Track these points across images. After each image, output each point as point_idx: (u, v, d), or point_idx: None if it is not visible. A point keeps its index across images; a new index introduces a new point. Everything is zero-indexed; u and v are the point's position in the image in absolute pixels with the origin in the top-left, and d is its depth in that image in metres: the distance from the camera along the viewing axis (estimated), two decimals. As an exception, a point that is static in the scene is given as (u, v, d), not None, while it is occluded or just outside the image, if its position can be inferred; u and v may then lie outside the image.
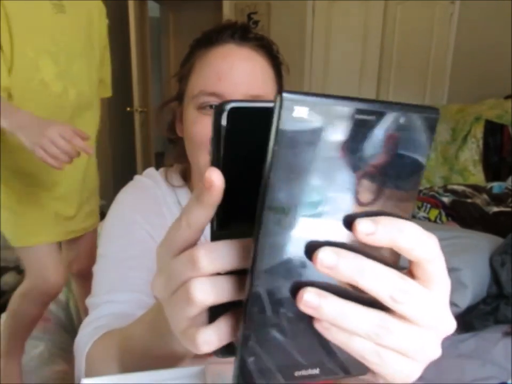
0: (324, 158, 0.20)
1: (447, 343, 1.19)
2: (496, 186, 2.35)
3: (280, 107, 0.19)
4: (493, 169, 2.67)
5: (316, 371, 0.24)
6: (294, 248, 0.21)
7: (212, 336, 0.24)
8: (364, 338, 0.22)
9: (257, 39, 0.60)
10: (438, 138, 3.00)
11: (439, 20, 3.09)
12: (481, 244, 1.46)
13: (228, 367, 0.54)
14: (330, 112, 0.20)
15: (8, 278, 1.83)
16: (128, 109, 3.30)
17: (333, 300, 0.21)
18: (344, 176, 0.21)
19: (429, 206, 2.06)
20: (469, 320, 1.25)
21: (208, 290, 0.23)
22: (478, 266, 1.34)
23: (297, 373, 0.23)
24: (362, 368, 0.24)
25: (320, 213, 0.21)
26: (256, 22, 3.35)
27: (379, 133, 0.21)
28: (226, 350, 0.25)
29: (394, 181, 0.22)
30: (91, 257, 1.35)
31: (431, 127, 0.22)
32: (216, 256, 0.23)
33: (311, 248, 0.21)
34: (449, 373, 1.08)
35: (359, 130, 0.20)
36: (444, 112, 2.99)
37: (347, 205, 0.21)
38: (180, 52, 4.28)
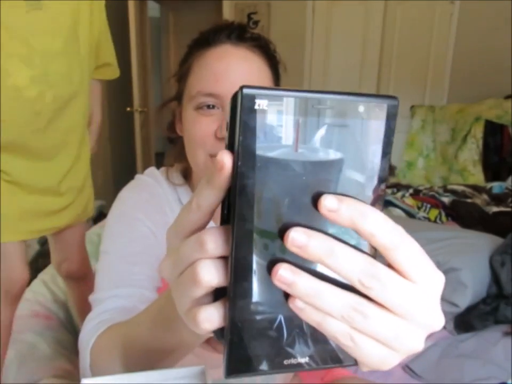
0: (287, 147, 0.21)
1: (447, 343, 1.19)
2: (496, 186, 2.35)
3: (242, 100, 0.20)
4: (492, 169, 2.67)
5: (305, 359, 0.24)
6: (271, 230, 0.22)
7: (213, 314, 0.24)
8: (338, 320, 0.22)
9: (254, 39, 0.61)
10: (438, 138, 3.00)
11: (439, 19, 3.09)
12: (481, 244, 1.46)
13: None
14: (289, 104, 0.21)
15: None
16: (128, 109, 3.30)
17: (307, 277, 0.22)
18: (309, 165, 0.22)
19: (429, 206, 2.07)
20: (469, 320, 1.25)
21: (214, 272, 0.24)
22: (478, 266, 1.34)
23: (286, 362, 0.24)
24: (351, 359, 0.25)
25: (291, 199, 0.22)
26: (256, 22, 3.35)
27: (338, 121, 0.21)
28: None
29: (359, 170, 0.22)
30: (80, 259, 1.34)
31: (392, 115, 0.22)
32: (222, 240, 0.23)
33: (284, 229, 0.22)
34: (449, 373, 1.08)
35: (320, 120, 0.21)
36: (444, 112, 2.99)
37: (313, 187, 0.22)
38: (180, 52, 4.27)
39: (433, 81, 3.19)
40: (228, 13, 3.37)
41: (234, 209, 0.22)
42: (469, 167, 2.73)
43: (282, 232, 0.22)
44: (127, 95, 3.29)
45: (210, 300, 0.25)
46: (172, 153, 0.74)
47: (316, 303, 0.22)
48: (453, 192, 2.23)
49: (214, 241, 0.23)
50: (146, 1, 3.39)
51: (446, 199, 2.14)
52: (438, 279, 0.23)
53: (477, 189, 2.28)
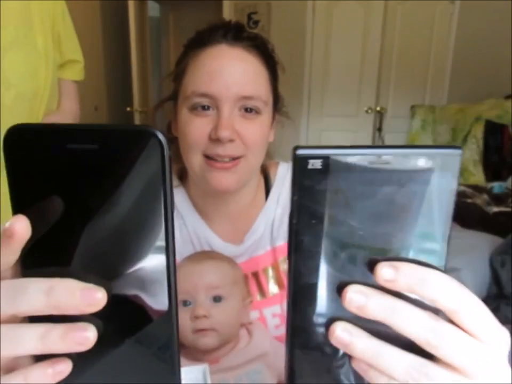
0: (345, 206, 0.21)
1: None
2: (496, 186, 2.35)
3: (295, 161, 0.20)
4: (493, 169, 2.67)
5: None
6: (327, 288, 0.22)
7: None
8: None
9: (251, 39, 0.60)
10: (438, 138, 3.00)
11: (439, 20, 3.09)
12: (481, 244, 1.46)
13: (230, 374, 0.54)
14: (343, 163, 0.21)
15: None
16: (128, 109, 3.30)
17: (365, 338, 0.21)
18: (369, 222, 0.21)
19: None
20: (469, 320, 1.25)
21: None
22: (478, 266, 1.34)
23: None
24: None
25: (348, 255, 0.22)
26: (256, 22, 3.35)
27: (397, 177, 0.21)
28: None
29: (424, 226, 0.22)
30: None
31: (454, 165, 0.21)
32: (5, 296, 0.20)
33: (342, 288, 0.21)
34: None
35: (377, 177, 0.21)
36: (444, 112, 2.99)
37: (375, 248, 0.21)
38: (180, 52, 4.27)
39: (433, 81, 3.19)
40: (228, 12, 3.37)
41: (290, 264, 0.22)
42: (470, 167, 2.73)
43: (339, 290, 0.21)
44: (127, 95, 3.29)
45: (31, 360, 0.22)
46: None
47: (377, 365, 0.21)
48: (453, 192, 2.23)
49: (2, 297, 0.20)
50: (146, 1, 3.39)
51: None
52: (505, 337, 0.22)
53: (477, 189, 2.28)
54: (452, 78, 3.14)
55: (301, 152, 0.20)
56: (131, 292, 0.22)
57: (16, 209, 0.21)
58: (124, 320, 0.23)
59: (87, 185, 0.21)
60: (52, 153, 0.21)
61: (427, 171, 0.21)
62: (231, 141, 0.56)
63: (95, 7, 3.17)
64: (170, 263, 0.22)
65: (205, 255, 0.62)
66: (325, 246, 0.21)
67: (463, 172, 2.76)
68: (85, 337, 0.20)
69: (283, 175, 0.72)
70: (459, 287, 0.21)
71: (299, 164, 0.20)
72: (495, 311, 1.26)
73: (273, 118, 0.65)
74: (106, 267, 0.22)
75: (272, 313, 0.65)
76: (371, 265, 0.21)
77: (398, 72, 3.25)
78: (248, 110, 0.58)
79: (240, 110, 0.58)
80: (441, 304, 0.21)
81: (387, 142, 3.25)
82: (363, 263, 0.21)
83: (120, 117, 3.54)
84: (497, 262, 1.35)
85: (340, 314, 0.22)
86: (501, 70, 2.89)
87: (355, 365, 0.22)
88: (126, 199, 0.21)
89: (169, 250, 0.22)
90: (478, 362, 0.21)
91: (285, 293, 0.23)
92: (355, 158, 0.20)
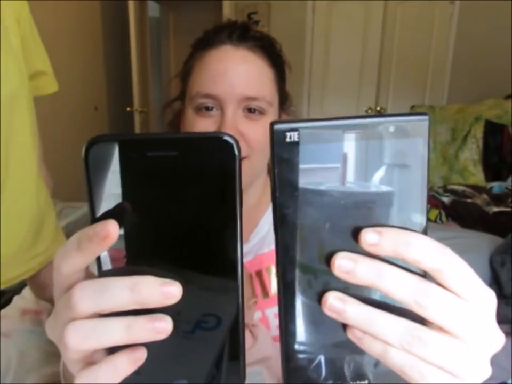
0: (325, 177, 0.22)
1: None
2: (496, 186, 2.35)
3: (273, 135, 0.21)
4: (493, 169, 2.67)
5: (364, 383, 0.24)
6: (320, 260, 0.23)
7: (88, 382, 0.23)
8: (400, 350, 0.21)
9: (256, 39, 0.60)
10: (438, 138, 3.00)
11: (439, 19, 3.09)
12: (481, 244, 1.46)
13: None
14: (320, 134, 0.21)
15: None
16: (128, 109, 3.30)
17: (357, 304, 0.22)
18: (349, 192, 0.22)
19: (429, 206, 2.06)
20: (469, 320, 1.25)
21: (84, 335, 0.22)
22: (478, 266, 1.34)
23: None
24: None
25: (331, 225, 0.22)
26: (256, 22, 3.35)
27: (371, 144, 0.22)
28: None
29: (400, 191, 0.22)
30: None
31: (423, 130, 0.22)
32: (93, 294, 0.22)
33: (330, 257, 0.22)
34: (449, 373, 1.08)
35: (352, 145, 0.22)
36: (444, 112, 2.99)
37: (355, 219, 0.22)
38: (180, 52, 4.28)
39: (433, 81, 3.19)
40: (228, 13, 3.37)
41: (277, 239, 0.23)
42: (469, 167, 2.73)
43: (328, 260, 0.22)
44: (127, 95, 3.29)
45: (104, 354, 0.24)
46: None
47: (371, 330, 0.21)
48: (453, 192, 2.23)
49: (81, 298, 0.22)
50: (146, 1, 3.39)
51: (446, 199, 2.14)
52: (490, 297, 0.23)
53: (477, 189, 2.28)
54: (451, 78, 3.14)
55: (278, 126, 0.21)
56: (202, 289, 0.24)
57: (95, 217, 0.23)
58: (192, 311, 0.24)
59: (167, 189, 0.23)
60: (132, 161, 0.22)
61: (399, 138, 0.22)
62: None
63: (95, 7, 3.18)
64: (240, 260, 0.24)
65: None
66: (308, 217, 0.22)
67: (463, 171, 2.76)
68: (164, 326, 0.22)
69: None
70: (442, 247, 0.22)
71: (277, 137, 0.21)
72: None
73: (280, 117, 0.65)
74: (180, 265, 0.24)
75: (274, 314, 0.65)
76: (355, 234, 0.22)
77: (398, 72, 3.25)
78: (252, 110, 0.58)
79: (244, 110, 0.58)
80: (426, 264, 0.21)
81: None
82: (347, 233, 0.22)
83: (120, 117, 3.54)
84: (497, 262, 1.35)
85: (330, 287, 0.23)
86: (501, 70, 2.89)
87: (350, 334, 0.22)
88: (203, 200, 0.23)
89: (240, 248, 0.23)
90: (464, 322, 0.22)
91: None
92: (330, 129, 0.21)
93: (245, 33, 0.60)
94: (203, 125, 0.58)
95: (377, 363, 0.24)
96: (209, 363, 0.25)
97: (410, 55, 3.20)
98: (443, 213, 2.03)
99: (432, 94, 3.20)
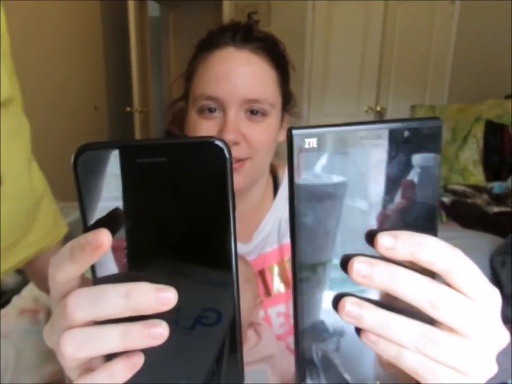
0: (341, 181, 0.22)
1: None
2: (496, 186, 2.35)
3: (291, 141, 0.22)
4: (493, 169, 2.67)
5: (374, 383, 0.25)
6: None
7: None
8: (414, 352, 0.22)
9: (260, 40, 0.60)
10: (438, 138, 3.00)
11: (439, 19, 3.09)
12: (481, 244, 1.46)
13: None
14: (338, 140, 0.22)
15: (8, 278, 1.83)
16: (128, 109, 3.30)
17: (374, 309, 0.22)
18: (363, 194, 0.22)
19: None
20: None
21: (79, 343, 0.22)
22: (478, 266, 1.34)
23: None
24: None
25: (347, 230, 0.23)
26: (256, 22, 3.35)
27: (388, 149, 0.22)
28: None
29: (412, 194, 0.23)
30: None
31: (437, 135, 0.22)
32: (88, 302, 0.22)
33: (346, 261, 0.23)
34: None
35: (369, 151, 0.22)
36: (444, 112, 2.99)
37: (370, 219, 0.23)
38: (180, 52, 4.28)
39: (433, 81, 3.19)
40: (228, 12, 3.37)
41: (294, 245, 0.23)
42: (470, 167, 2.73)
43: (343, 265, 0.23)
44: (127, 95, 3.29)
45: (102, 360, 0.24)
46: None
47: (387, 334, 0.22)
48: (453, 192, 2.23)
49: (76, 306, 0.22)
50: (146, 1, 3.39)
51: (446, 199, 2.14)
52: (495, 296, 0.24)
53: (477, 189, 2.28)
54: (452, 78, 3.14)
55: (296, 132, 0.21)
56: (198, 294, 0.24)
57: (87, 225, 0.23)
58: (188, 315, 0.25)
59: (159, 195, 0.23)
60: (122, 168, 0.22)
61: (414, 142, 0.22)
62: (236, 143, 0.57)
63: (95, 7, 3.18)
64: (234, 262, 0.24)
65: None
66: (324, 221, 0.22)
67: (463, 171, 2.76)
68: (160, 332, 0.22)
69: None
70: (453, 248, 0.23)
71: (294, 143, 0.21)
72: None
73: (283, 118, 0.66)
74: (174, 270, 0.24)
75: (277, 312, 0.65)
76: (370, 238, 0.22)
77: (398, 72, 3.25)
78: (254, 112, 0.58)
79: (246, 112, 0.58)
80: (438, 266, 0.22)
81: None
82: (362, 237, 0.23)
83: (120, 117, 3.54)
84: (497, 262, 1.35)
85: (345, 291, 0.23)
86: (501, 70, 2.89)
87: (364, 338, 0.23)
88: (195, 205, 0.23)
89: (234, 249, 0.24)
90: (473, 322, 0.22)
91: (290, 292, 0.24)
92: (347, 134, 0.22)
93: (248, 34, 0.60)
94: (205, 126, 0.58)
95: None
96: (210, 360, 0.25)
97: (410, 55, 3.20)
98: (443, 213, 2.03)
99: (432, 94, 3.20)
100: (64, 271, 0.22)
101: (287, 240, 0.68)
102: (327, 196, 0.22)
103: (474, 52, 3.01)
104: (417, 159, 0.22)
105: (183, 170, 0.22)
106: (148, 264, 0.23)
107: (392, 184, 0.22)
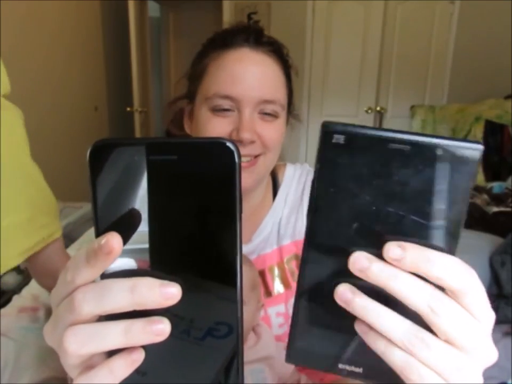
0: (362, 182, 0.23)
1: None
2: (496, 186, 2.35)
3: (322, 134, 0.22)
4: (493, 169, 2.67)
5: (359, 370, 0.25)
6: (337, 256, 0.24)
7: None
8: (402, 350, 0.22)
9: (270, 44, 0.61)
10: (438, 138, 3.00)
11: (439, 19, 3.09)
12: (481, 244, 1.46)
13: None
14: (366, 141, 0.22)
15: (8, 278, 1.83)
16: (128, 109, 3.30)
17: (366, 298, 0.22)
18: (380, 201, 0.23)
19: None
20: (469, 320, 1.25)
21: (82, 339, 0.22)
22: (478, 266, 1.34)
23: (340, 365, 0.25)
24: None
25: (359, 227, 0.23)
26: (256, 22, 3.35)
27: (414, 162, 0.22)
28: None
29: (436, 213, 0.23)
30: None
31: (473, 160, 0.22)
32: (95, 296, 0.22)
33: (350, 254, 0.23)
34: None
35: (395, 159, 0.22)
36: (444, 112, 2.99)
37: (385, 225, 0.23)
38: (180, 52, 4.28)
39: (433, 81, 3.19)
40: (228, 13, 3.37)
41: (308, 224, 0.24)
42: (469, 167, 2.73)
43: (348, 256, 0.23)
44: (127, 95, 3.29)
45: (103, 358, 0.24)
46: None
47: (376, 324, 0.22)
48: (453, 192, 2.23)
49: (84, 300, 0.22)
50: (146, 1, 3.39)
51: (446, 199, 2.14)
52: (492, 316, 0.24)
53: (477, 189, 2.28)
54: (451, 78, 3.14)
55: (328, 126, 0.22)
56: (201, 289, 0.25)
57: (99, 220, 0.23)
58: (200, 326, 0.25)
59: (168, 193, 0.23)
60: (135, 164, 0.23)
61: (445, 162, 0.22)
62: (252, 142, 0.58)
63: (95, 7, 3.18)
64: (239, 261, 0.24)
65: None
66: (339, 213, 0.23)
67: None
68: (162, 328, 0.22)
69: (290, 176, 0.73)
70: (467, 268, 0.23)
71: (325, 136, 0.22)
72: (495, 310, 1.26)
73: (288, 120, 0.67)
74: (179, 267, 0.24)
75: (277, 312, 0.66)
76: (379, 243, 0.23)
77: (398, 72, 3.25)
78: (267, 113, 0.59)
79: (259, 113, 0.59)
80: (448, 283, 0.22)
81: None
82: (372, 238, 0.23)
83: (120, 117, 3.54)
84: (497, 262, 1.35)
85: (346, 279, 0.24)
86: (501, 70, 2.89)
87: (357, 326, 0.23)
88: (203, 204, 0.23)
89: (239, 249, 0.24)
90: (474, 339, 0.22)
91: (289, 292, 0.24)
92: (377, 138, 0.22)
93: (260, 37, 0.61)
94: (219, 124, 0.58)
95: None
96: (215, 369, 0.25)
97: (410, 55, 3.19)
98: (443, 213, 2.03)
99: (432, 94, 3.20)
100: (81, 276, 0.23)
101: (286, 242, 0.68)
102: (345, 190, 0.23)
103: (474, 52, 3.01)
104: (445, 179, 0.22)
105: (194, 169, 0.23)
106: (155, 263, 0.24)
107: (412, 195, 0.22)
